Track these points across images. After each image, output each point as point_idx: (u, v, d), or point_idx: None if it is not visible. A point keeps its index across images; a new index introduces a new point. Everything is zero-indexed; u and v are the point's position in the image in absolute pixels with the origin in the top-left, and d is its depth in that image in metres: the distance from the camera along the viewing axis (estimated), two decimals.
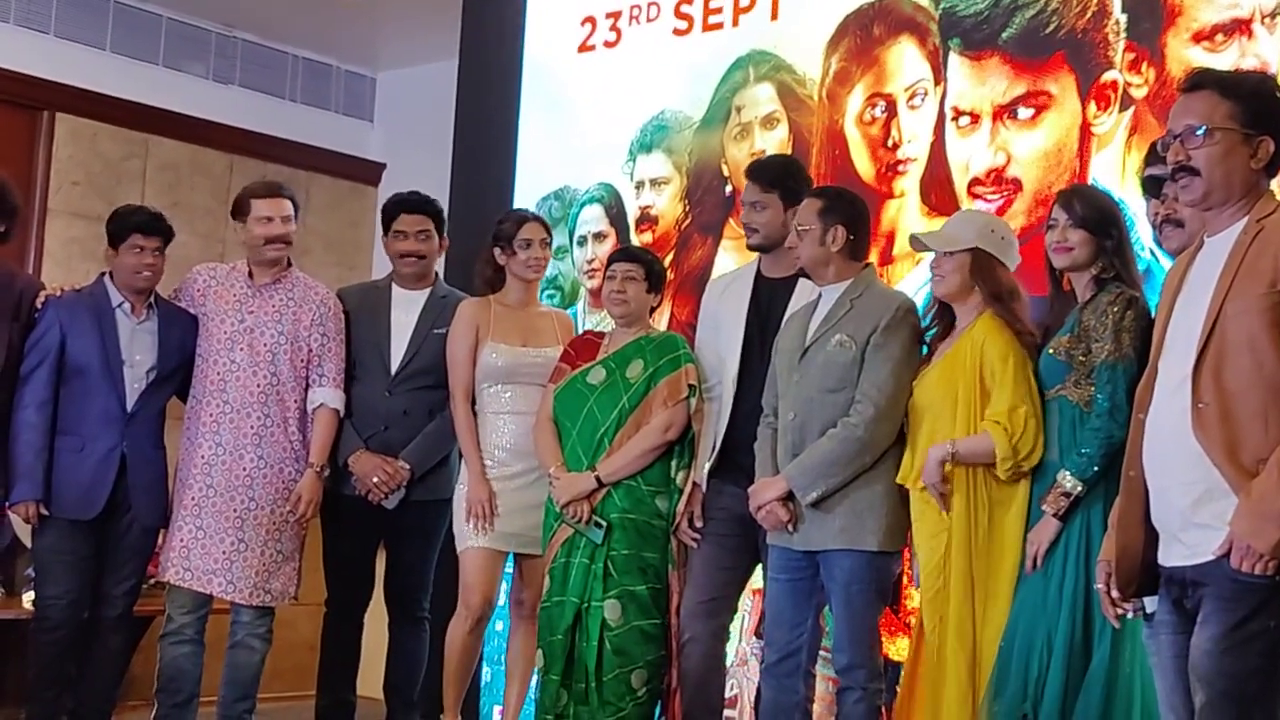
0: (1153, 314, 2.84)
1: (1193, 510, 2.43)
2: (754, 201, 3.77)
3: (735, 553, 3.69)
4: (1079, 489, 2.97)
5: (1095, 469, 2.96)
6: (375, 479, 4.09)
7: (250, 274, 4.15)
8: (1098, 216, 3.11)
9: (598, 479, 3.73)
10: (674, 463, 3.76)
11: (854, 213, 3.56)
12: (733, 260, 4.53)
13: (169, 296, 4.16)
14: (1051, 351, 3.11)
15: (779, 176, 3.78)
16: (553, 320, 4.17)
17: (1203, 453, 2.40)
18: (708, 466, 3.77)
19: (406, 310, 4.25)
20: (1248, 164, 2.47)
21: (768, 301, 3.76)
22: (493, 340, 4.00)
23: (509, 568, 4.15)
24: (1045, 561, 3.01)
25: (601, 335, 3.96)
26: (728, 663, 3.93)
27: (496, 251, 4.08)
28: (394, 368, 4.20)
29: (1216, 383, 2.40)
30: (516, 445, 3.96)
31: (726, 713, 3.95)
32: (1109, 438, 2.91)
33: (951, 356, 3.25)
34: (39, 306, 4.01)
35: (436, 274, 4.39)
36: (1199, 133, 2.47)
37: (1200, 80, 2.55)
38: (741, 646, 4.18)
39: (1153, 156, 3.17)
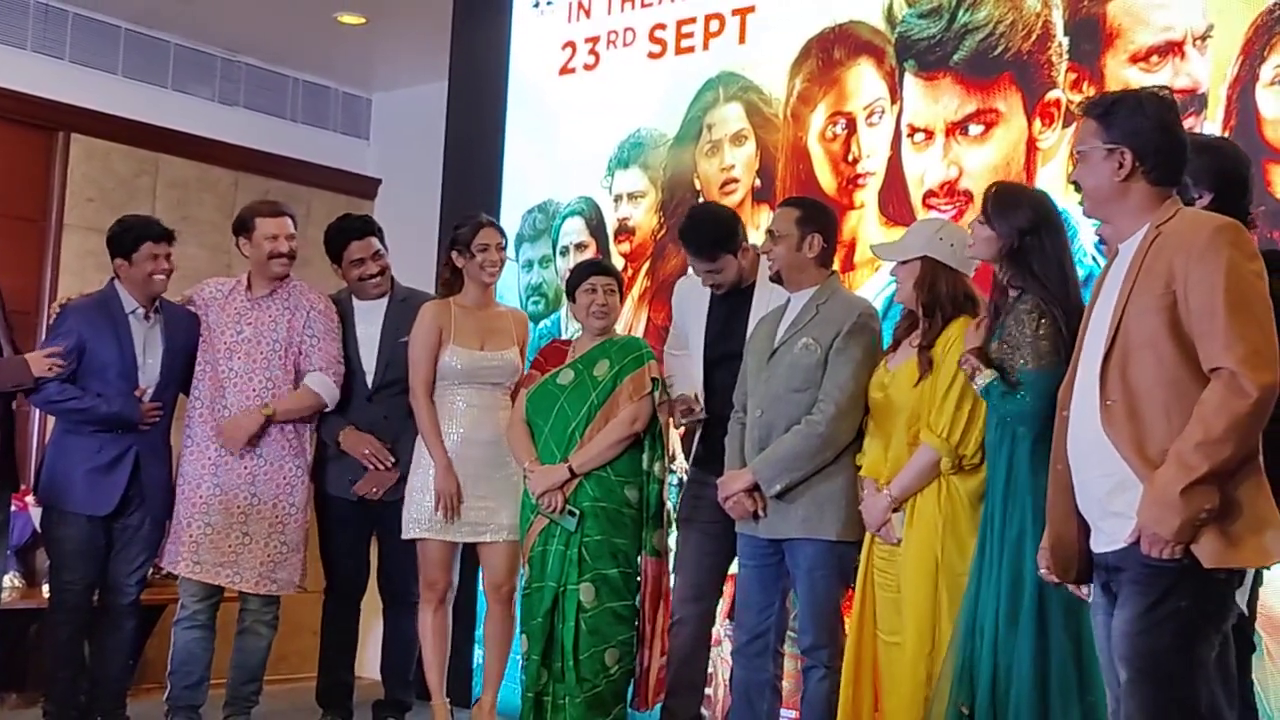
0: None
1: (1108, 500, 2.43)
2: (708, 270, 3.71)
3: (718, 539, 3.68)
4: (992, 378, 2.91)
5: (996, 393, 2.92)
6: (365, 450, 4.12)
7: (249, 286, 4.15)
8: (999, 215, 3.00)
9: (570, 470, 3.72)
10: (645, 455, 3.77)
11: (827, 221, 3.55)
12: None
13: (181, 303, 4.16)
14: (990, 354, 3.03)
15: (718, 241, 3.69)
16: (509, 320, 4.14)
17: (1113, 446, 2.40)
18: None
19: (370, 322, 4.24)
20: (1112, 176, 2.48)
21: (726, 310, 3.75)
22: (453, 344, 3.98)
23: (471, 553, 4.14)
24: (982, 558, 2.95)
25: (568, 343, 3.96)
26: None
27: (454, 255, 4.05)
28: (370, 379, 4.19)
29: (1123, 381, 2.40)
30: (470, 437, 3.95)
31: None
32: (1024, 427, 2.89)
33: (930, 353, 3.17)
34: (56, 313, 4.04)
35: (392, 278, 4.35)
36: (1078, 152, 2.54)
37: (1084, 107, 2.61)
38: (716, 629, 4.13)
39: None
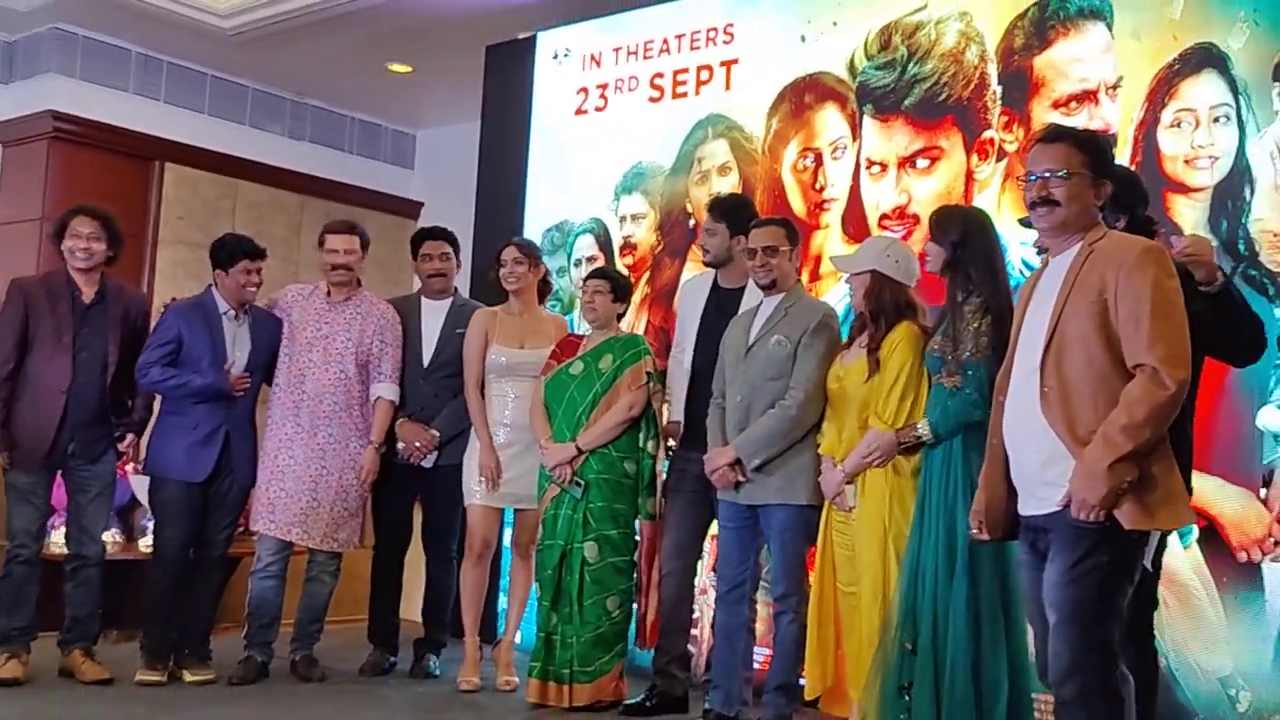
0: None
1: (1041, 471, 2.53)
2: (708, 229, 3.91)
3: (699, 505, 3.84)
4: (927, 436, 3.08)
5: (944, 432, 3.05)
6: (417, 442, 4.29)
7: (328, 293, 4.31)
8: (938, 232, 3.14)
9: (577, 448, 3.89)
10: (641, 434, 3.92)
11: (798, 236, 3.74)
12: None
13: (264, 306, 4.29)
14: (930, 349, 3.16)
15: (727, 211, 3.90)
16: (550, 324, 4.30)
17: (1048, 426, 2.49)
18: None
19: (434, 317, 4.42)
20: (1094, 201, 2.58)
21: (721, 307, 3.88)
22: (496, 344, 4.15)
23: (508, 517, 4.34)
24: (921, 519, 3.04)
25: (581, 338, 4.11)
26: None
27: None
28: (426, 363, 4.36)
29: (1058, 372, 2.49)
30: (514, 423, 4.12)
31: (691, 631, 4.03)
32: (968, 417, 3.02)
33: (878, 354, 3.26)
34: (161, 312, 4.21)
35: (455, 287, 4.55)
36: (1059, 175, 2.54)
37: (1059, 134, 2.64)
38: (702, 580, 4.25)
39: None
